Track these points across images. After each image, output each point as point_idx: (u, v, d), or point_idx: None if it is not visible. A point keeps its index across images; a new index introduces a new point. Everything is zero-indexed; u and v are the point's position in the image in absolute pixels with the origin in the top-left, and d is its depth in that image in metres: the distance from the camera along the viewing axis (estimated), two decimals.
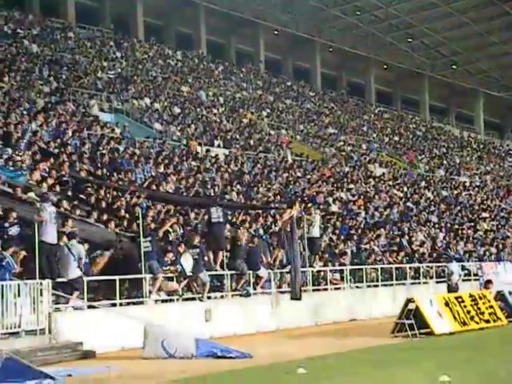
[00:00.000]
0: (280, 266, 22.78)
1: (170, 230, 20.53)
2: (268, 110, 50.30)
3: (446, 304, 20.19)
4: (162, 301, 18.75)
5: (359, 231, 29.57)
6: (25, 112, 27.43)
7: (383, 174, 44.05)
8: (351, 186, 37.34)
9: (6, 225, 16.48)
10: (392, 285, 26.99)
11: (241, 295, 20.87)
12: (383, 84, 76.72)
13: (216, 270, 20.58)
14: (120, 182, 23.24)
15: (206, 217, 21.63)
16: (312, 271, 23.76)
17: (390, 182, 42.07)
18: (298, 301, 21.44)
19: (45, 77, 34.81)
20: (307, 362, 13.91)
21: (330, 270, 24.72)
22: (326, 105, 60.67)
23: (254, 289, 21.36)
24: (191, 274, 19.29)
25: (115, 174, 23.83)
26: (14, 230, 16.56)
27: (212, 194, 26.41)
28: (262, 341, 18.77)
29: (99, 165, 24.36)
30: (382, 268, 26.91)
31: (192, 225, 22.10)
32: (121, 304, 17.40)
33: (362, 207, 33.62)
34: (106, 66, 42.49)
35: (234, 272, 20.88)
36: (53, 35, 44.07)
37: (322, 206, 30.72)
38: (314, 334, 20.46)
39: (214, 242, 20.94)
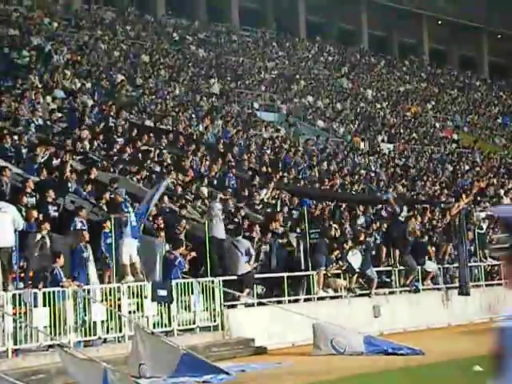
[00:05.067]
0: (450, 261, 22.20)
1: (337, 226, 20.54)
2: (433, 103, 49.18)
3: None
4: (331, 297, 18.77)
5: None
6: (193, 115, 28.46)
7: None
8: None
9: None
10: None
11: (410, 291, 20.52)
12: None
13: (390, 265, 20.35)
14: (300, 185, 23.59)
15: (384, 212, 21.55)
16: (484, 266, 22.99)
17: None
18: (466, 296, 20.80)
19: (210, 80, 35.86)
20: (483, 359, 13.36)
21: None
22: (495, 94, 58.44)
23: (423, 284, 20.93)
24: (359, 270, 19.17)
25: (280, 172, 24.16)
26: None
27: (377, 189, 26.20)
28: (433, 337, 18.32)
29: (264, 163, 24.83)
30: None
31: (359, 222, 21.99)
32: (289, 301, 17.56)
33: None
34: (268, 67, 43.17)
35: (402, 267, 20.56)
36: (218, 39, 45.35)
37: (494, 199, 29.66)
38: (489, 330, 19.68)
39: (392, 238, 20.66)
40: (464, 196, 22.98)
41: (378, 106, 43.42)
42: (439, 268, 21.47)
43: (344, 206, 22.71)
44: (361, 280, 19.44)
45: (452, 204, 22.18)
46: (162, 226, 16.49)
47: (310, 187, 24.13)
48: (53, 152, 18.61)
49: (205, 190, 20.12)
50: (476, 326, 20.59)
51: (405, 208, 21.27)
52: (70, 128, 21.74)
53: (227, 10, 53.69)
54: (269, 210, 20.35)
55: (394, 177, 29.00)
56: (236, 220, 19.02)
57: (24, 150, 18.74)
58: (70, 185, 17.15)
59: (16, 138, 19.13)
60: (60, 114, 22.68)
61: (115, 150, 21.19)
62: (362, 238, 19.69)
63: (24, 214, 14.55)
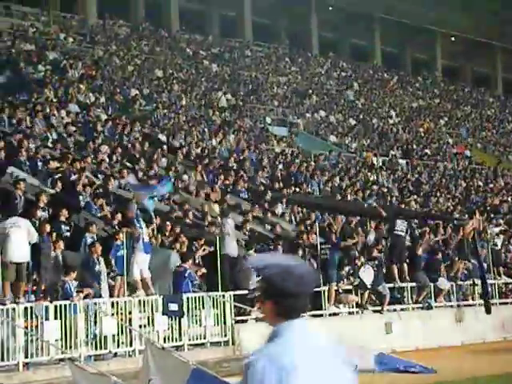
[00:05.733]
0: (463, 278, 22.07)
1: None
2: (446, 119, 49.07)
3: None
4: (342, 313, 18.68)
5: None
6: (206, 130, 28.54)
7: None
8: None
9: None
10: None
11: (422, 308, 20.40)
12: None
13: (396, 283, 20.24)
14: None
15: (387, 227, 21.43)
16: (498, 284, 22.83)
17: None
18: (488, 314, 20.60)
19: (223, 95, 35.92)
20: (495, 379, 13.29)
21: None
22: (509, 110, 58.24)
23: (436, 301, 20.80)
24: (370, 286, 19.08)
25: (292, 187, 24.16)
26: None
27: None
28: (445, 355, 18.16)
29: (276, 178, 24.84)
30: None
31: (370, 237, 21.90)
32: None
33: None
34: (281, 81, 43.23)
35: (414, 284, 20.45)
36: (231, 54, 45.48)
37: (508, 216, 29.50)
38: (503, 349, 19.54)
39: (395, 254, 20.56)
40: (478, 213, 22.83)
41: (391, 121, 43.36)
42: (452, 285, 21.33)
43: (355, 221, 22.62)
44: (372, 296, 19.35)
45: (466, 221, 22.03)
46: (183, 240, 16.49)
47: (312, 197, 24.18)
48: (68, 166, 18.65)
49: (216, 208, 20.01)
50: (489, 344, 20.42)
51: (399, 222, 20.97)
52: (84, 142, 21.85)
53: (240, 26, 53.91)
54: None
55: (405, 192, 28.91)
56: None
57: (40, 163, 18.80)
58: (81, 198, 17.15)
59: (32, 150, 19.21)
60: (74, 128, 22.80)
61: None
62: (374, 254, 19.62)
63: (37, 226, 14.58)
